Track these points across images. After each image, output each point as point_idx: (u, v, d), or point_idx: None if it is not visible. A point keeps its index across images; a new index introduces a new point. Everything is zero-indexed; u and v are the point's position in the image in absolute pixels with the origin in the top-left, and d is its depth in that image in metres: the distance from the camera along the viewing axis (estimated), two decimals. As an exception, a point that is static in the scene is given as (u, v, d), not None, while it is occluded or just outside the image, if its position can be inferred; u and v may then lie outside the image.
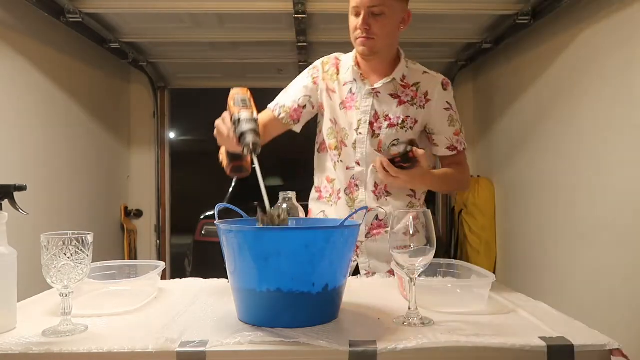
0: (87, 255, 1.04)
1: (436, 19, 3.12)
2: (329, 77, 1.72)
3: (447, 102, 1.68)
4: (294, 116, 1.72)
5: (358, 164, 1.68)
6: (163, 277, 1.43)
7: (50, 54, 2.99)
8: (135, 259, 4.18)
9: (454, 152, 1.70)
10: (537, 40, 3.04)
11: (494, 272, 1.30)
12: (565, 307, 1.25)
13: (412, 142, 1.51)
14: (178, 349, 0.93)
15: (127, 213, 4.27)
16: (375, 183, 1.68)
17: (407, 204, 1.70)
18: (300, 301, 1.04)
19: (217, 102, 1.87)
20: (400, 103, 1.66)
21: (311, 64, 1.81)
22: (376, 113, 1.66)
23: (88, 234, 1.04)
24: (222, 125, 1.39)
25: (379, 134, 1.66)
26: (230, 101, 1.30)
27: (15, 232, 1.17)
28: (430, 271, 1.33)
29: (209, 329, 1.05)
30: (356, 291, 1.37)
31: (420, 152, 1.50)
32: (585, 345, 0.94)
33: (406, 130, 1.66)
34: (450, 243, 4.34)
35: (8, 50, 2.57)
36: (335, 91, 1.71)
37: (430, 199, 4.76)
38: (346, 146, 1.69)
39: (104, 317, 1.14)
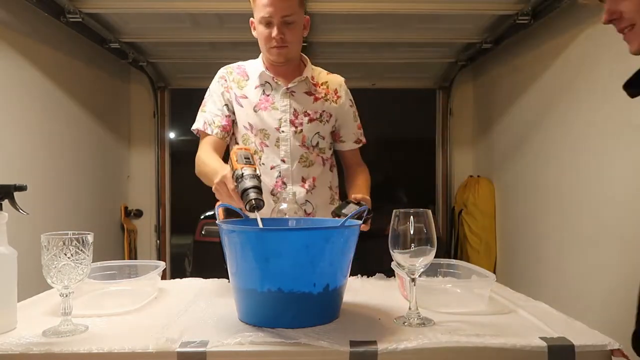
0: (87, 255, 1.04)
1: (436, 19, 3.12)
2: (236, 85, 1.75)
3: (350, 99, 1.84)
4: (226, 128, 1.73)
5: (284, 161, 1.72)
6: (163, 277, 1.43)
7: (50, 53, 2.99)
8: (135, 259, 4.18)
9: (360, 144, 1.86)
10: (537, 40, 3.04)
11: (494, 272, 1.30)
12: (565, 307, 1.25)
13: (362, 206, 1.48)
14: (178, 349, 0.93)
15: (127, 213, 4.27)
16: (303, 177, 1.73)
17: (330, 194, 1.81)
18: (301, 301, 1.04)
19: (217, 102, 1.87)
20: (316, 99, 1.75)
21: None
22: (295, 111, 1.72)
23: (88, 234, 1.04)
24: (223, 183, 1.35)
25: (301, 130, 1.72)
26: (233, 156, 1.31)
27: (15, 232, 1.17)
28: (431, 271, 1.32)
29: (209, 329, 1.05)
30: (356, 291, 1.37)
31: (366, 200, 1.54)
32: (586, 345, 0.94)
33: (324, 124, 1.75)
34: (450, 243, 4.34)
35: (8, 50, 2.57)
36: (246, 97, 1.73)
37: (430, 199, 4.76)
38: (268, 146, 1.72)
39: (104, 317, 1.14)
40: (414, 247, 1.07)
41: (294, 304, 1.04)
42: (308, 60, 1.80)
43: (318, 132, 1.74)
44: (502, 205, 3.81)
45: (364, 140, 1.87)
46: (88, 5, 2.82)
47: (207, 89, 1.81)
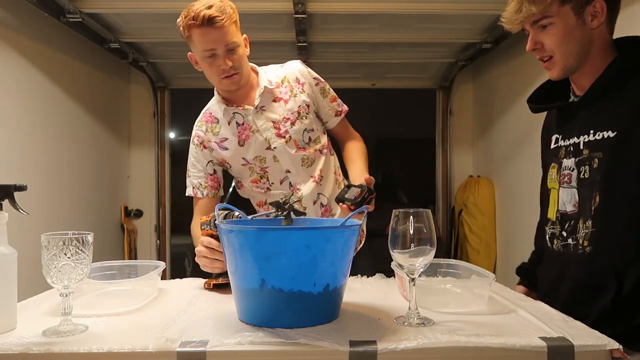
0: (87, 255, 1.04)
1: (436, 19, 3.12)
2: (212, 133, 1.74)
3: (314, 78, 1.77)
4: (214, 186, 1.76)
5: (288, 171, 1.73)
6: (163, 277, 1.43)
7: (50, 54, 2.99)
8: (135, 259, 4.18)
9: (341, 115, 1.81)
10: (537, 40, 3.04)
11: (494, 272, 1.30)
12: (565, 307, 1.24)
13: (362, 187, 1.49)
14: (178, 349, 0.93)
15: (127, 213, 4.27)
16: (311, 175, 1.74)
17: (334, 178, 1.80)
18: (301, 301, 1.04)
19: (217, 102, 1.87)
20: (286, 102, 1.72)
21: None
22: (275, 122, 1.70)
23: (88, 234, 1.04)
24: (203, 248, 1.40)
25: (290, 136, 1.71)
26: (200, 227, 1.41)
27: (15, 232, 1.17)
28: (430, 271, 1.33)
29: (209, 329, 1.05)
30: (356, 291, 1.37)
31: (370, 181, 1.52)
32: (585, 345, 0.94)
33: (306, 118, 1.73)
34: (450, 243, 4.34)
35: (8, 50, 2.57)
36: (225, 138, 1.72)
37: (430, 199, 4.76)
38: (268, 166, 1.73)
39: (104, 317, 1.14)
40: (414, 247, 1.07)
41: (294, 304, 1.04)
42: (257, 66, 1.76)
43: (305, 129, 1.73)
44: (502, 205, 3.81)
45: (344, 108, 1.82)
46: (88, 5, 2.82)
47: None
